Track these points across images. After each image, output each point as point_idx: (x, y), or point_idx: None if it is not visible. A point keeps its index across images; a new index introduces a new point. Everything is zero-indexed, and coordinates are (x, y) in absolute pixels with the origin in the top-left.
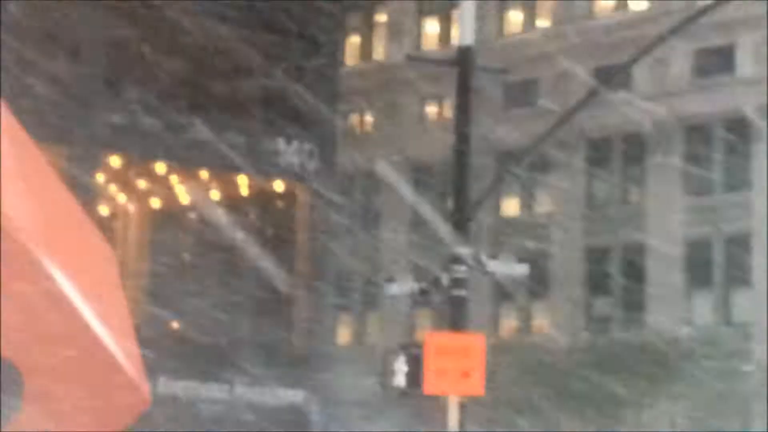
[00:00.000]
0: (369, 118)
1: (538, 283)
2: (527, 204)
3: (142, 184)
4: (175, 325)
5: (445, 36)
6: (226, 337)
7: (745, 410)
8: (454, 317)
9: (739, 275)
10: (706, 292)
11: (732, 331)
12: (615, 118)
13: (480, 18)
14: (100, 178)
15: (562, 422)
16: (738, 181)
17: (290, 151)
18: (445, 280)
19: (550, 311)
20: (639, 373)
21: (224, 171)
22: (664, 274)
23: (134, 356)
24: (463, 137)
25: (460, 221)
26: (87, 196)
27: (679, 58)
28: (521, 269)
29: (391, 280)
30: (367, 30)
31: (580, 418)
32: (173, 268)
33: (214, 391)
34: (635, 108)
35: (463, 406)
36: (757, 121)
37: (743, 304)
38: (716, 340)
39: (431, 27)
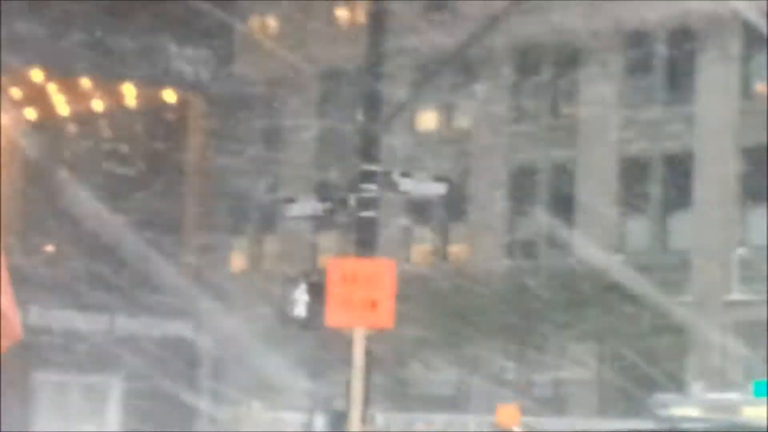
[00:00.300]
0: (272, 22)
1: (456, 205)
2: (446, 118)
3: (15, 93)
4: (49, 248)
5: None
6: (107, 262)
7: (680, 346)
8: (362, 241)
9: (678, 197)
10: (642, 216)
11: (669, 258)
12: (545, 24)
13: None
14: None
15: (480, 358)
16: (681, 94)
17: (183, 58)
18: (352, 200)
19: (469, 236)
20: (565, 305)
21: (108, 79)
22: (596, 195)
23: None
24: (376, 43)
25: (371, 135)
26: None
27: None
28: (438, 189)
29: (292, 199)
30: None
31: (500, 353)
32: (49, 186)
33: (92, 322)
34: (568, 13)
35: (369, 340)
36: (704, 29)
37: (682, 229)
38: (651, 268)
39: None
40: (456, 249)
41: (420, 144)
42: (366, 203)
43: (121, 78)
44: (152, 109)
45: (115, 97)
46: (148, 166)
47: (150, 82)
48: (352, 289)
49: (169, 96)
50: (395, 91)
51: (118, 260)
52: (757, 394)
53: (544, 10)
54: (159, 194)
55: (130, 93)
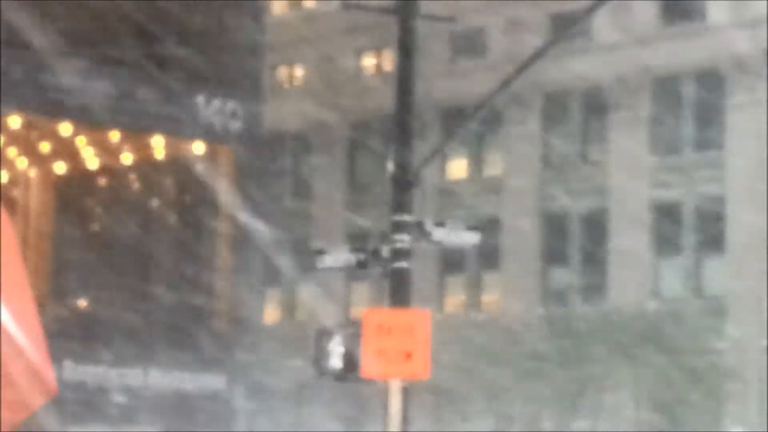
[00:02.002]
0: (299, 72)
1: (489, 254)
2: (476, 166)
3: (44, 147)
4: (82, 303)
5: None
6: (140, 316)
7: (717, 391)
8: (396, 292)
9: (711, 242)
10: (675, 262)
11: (703, 304)
12: (574, 70)
13: None
14: None
15: (516, 407)
16: (710, 138)
17: (211, 110)
18: (385, 250)
19: (502, 284)
20: (601, 352)
21: (137, 132)
22: (629, 241)
23: (38, 340)
24: (404, 92)
25: (402, 185)
26: None
27: (645, 3)
28: (470, 238)
29: (324, 251)
30: None
31: (536, 402)
32: (80, 240)
33: (125, 376)
34: (596, 59)
35: (406, 391)
36: (732, 73)
37: (716, 274)
38: (686, 314)
39: None
40: (489, 298)
41: (451, 193)
42: (399, 253)
43: (150, 131)
44: (181, 161)
45: (144, 150)
46: (179, 218)
47: (179, 135)
48: (387, 340)
49: (198, 148)
50: (426, 139)
51: (151, 314)
52: None
53: (572, 55)
54: (190, 246)
55: (158, 145)
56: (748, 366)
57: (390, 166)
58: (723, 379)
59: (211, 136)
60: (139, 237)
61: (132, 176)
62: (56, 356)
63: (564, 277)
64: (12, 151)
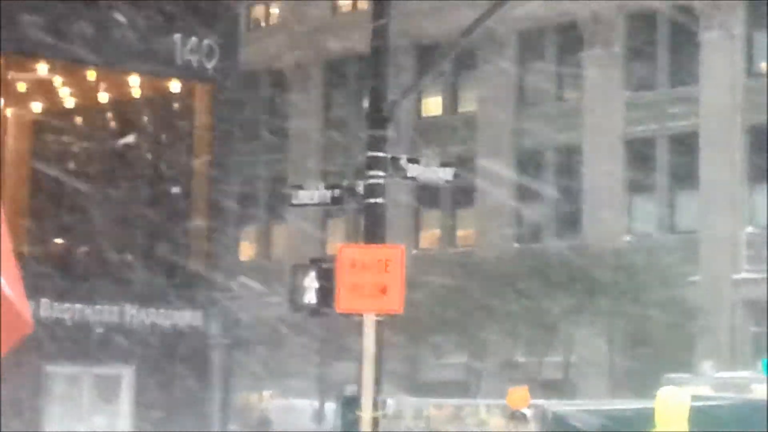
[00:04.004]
0: (275, 11)
1: (464, 190)
2: (451, 103)
3: (21, 86)
4: (59, 242)
5: None
6: (117, 254)
7: (689, 325)
8: (370, 227)
9: (684, 178)
10: (649, 197)
11: (676, 239)
12: (548, 6)
13: None
14: None
15: (489, 341)
16: (684, 74)
17: (188, 48)
18: (359, 187)
19: (477, 220)
20: (574, 287)
21: (114, 71)
22: (603, 177)
23: (14, 278)
24: (380, 30)
25: (377, 122)
26: None
27: None
28: (445, 174)
29: (299, 187)
30: None
31: (509, 336)
32: (56, 179)
33: (102, 313)
34: None
35: (380, 325)
36: (705, 9)
37: (689, 209)
38: (659, 249)
39: None
40: (464, 234)
41: (426, 129)
42: (374, 190)
43: (127, 69)
44: (158, 99)
45: (121, 89)
46: (156, 155)
47: (156, 73)
48: (361, 275)
49: (175, 86)
50: (401, 77)
51: (128, 251)
52: (766, 371)
53: None
54: (167, 184)
55: (135, 84)
56: (719, 300)
57: (365, 103)
58: (694, 313)
59: (187, 74)
60: (115, 176)
61: (108, 115)
62: (33, 295)
63: (538, 212)
64: None
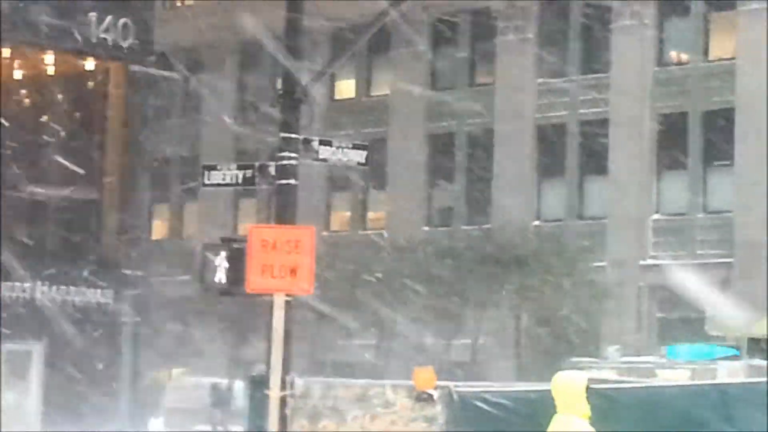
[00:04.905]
0: None
1: (376, 172)
2: (365, 86)
3: None
4: None
5: None
6: (28, 231)
7: (595, 308)
8: (281, 208)
9: (593, 164)
10: (558, 183)
11: (585, 224)
12: None
13: None
14: None
15: (398, 323)
16: (596, 62)
17: (103, 26)
18: (272, 168)
19: (388, 203)
20: (483, 270)
21: (29, 48)
22: (513, 162)
23: None
24: (294, 11)
25: (291, 103)
26: None
27: None
28: (357, 156)
29: (211, 167)
30: None
31: (419, 318)
32: None
33: (14, 290)
34: None
35: (289, 306)
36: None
37: (598, 195)
38: (567, 234)
39: None
40: (375, 216)
41: (339, 111)
42: (286, 171)
43: (42, 46)
44: (73, 78)
45: (36, 66)
46: (70, 134)
47: (71, 50)
48: (272, 256)
49: (89, 64)
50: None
51: (38, 228)
52: (671, 357)
53: None
54: (79, 163)
55: (50, 61)
56: (626, 285)
57: (279, 84)
58: (601, 298)
59: (102, 51)
60: (29, 153)
61: (23, 92)
62: None
63: (449, 196)
64: None
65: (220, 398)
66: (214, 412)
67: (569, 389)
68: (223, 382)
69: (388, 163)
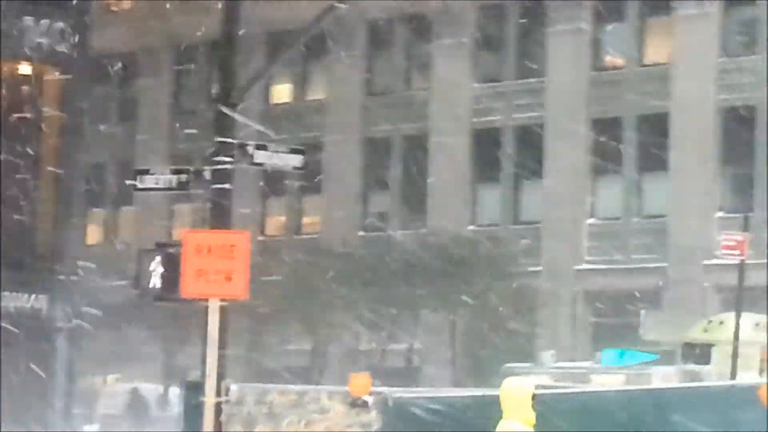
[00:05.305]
0: None
1: (311, 177)
2: (301, 90)
3: None
4: None
5: None
6: None
7: (531, 312)
8: (216, 213)
9: (529, 169)
10: (494, 188)
11: (520, 229)
12: None
13: None
14: None
15: (333, 328)
16: (532, 66)
17: (39, 31)
18: (207, 172)
19: (324, 207)
20: (417, 275)
21: None
22: (449, 167)
23: None
24: (229, 16)
25: (226, 107)
26: None
27: None
28: (293, 160)
29: (145, 171)
30: None
31: (353, 324)
32: None
33: None
34: None
35: (224, 311)
36: (554, 2)
37: (534, 200)
38: (503, 239)
39: None
40: (310, 221)
41: (275, 115)
42: (221, 175)
43: None
44: (8, 81)
45: None
46: (4, 138)
47: (7, 55)
48: (207, 261)
49: (25, 69)
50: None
51: None
52: (605, 362)
53: None
54: (14, 168)
55: None
56: (560, 290)
57: (214, 89)
58: (536, 303)
59: (38, 56)
60: None
61: None
62: None
63: (384, 201)
64: None
65: (139, 404)
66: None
67: (515, 395)
68: (143, 387)
69: (324, 168)
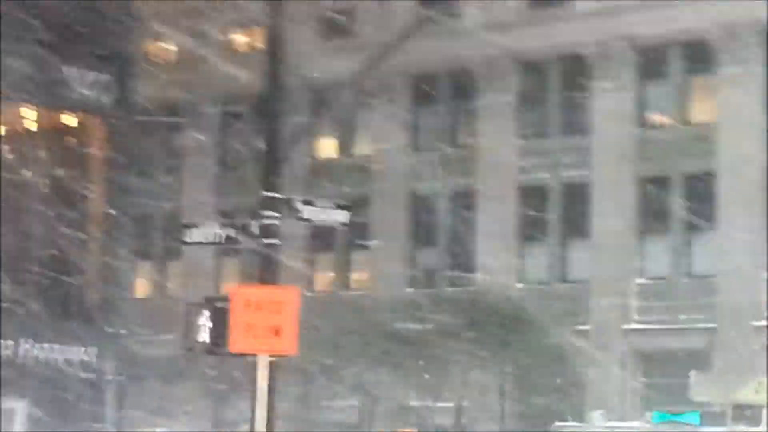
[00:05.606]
0: (172, 47)
1: (358, 233)
2: (346, 145)
3: None
4: None
5: None
6: (12, 289)
7: (581, 372)
8: (264, 268)
9: (576, 227)
10: (541, 245)
11: (568, 287)
12: (442, 52)
13: None
14: None
15: (383, 386)
16: (576, 123)
17: (85, 82)
18: (254, 227)
19: (371, 263)
20: (467, 333)
21: (10, 103)
22: (496, 224)
23: None
24: (275, 70)
25: (273, 162)
26: None
27: None
28: (339, 216)
29: (193, 225)
30: None
31: (402, 381)
32: None
33: None
34: (464, 42)
35: (273, 367)
36: (598, 59)
37: (581, 258)
38: (551, 297)
39: None
40: (358, 277)
41: (321, 171)
42: (268, 230)
43: (24, 101)
44: (54, 133)
45: (18, 121)
46: (51, 189)
47: (51, 106)
48: (255, 316)
49: (70, 120)
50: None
51: (23, 286)
52: (656, 421)
53: (440, 36)
54: (62, 219)
55: (32, 116)
56: (609, 350)
57: (260, 144)
58: (585, 362)
59: (84, 108)
60: (11, 209)
61: (5, 147)
62: None
63: (432, 258)
64: None
65: None
66: None
67: None
68: None
69: (371, 224)
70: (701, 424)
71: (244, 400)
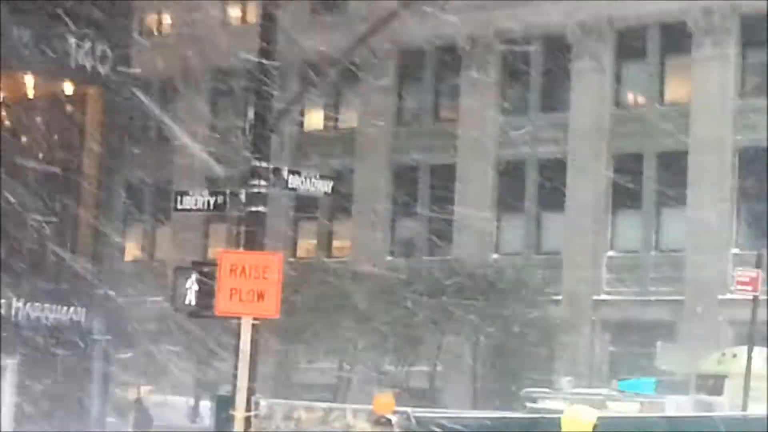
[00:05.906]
0: (167, 20)
1: (341, 202)
2: (332, 117)
3: None
4: None
5: None
6: (5, 251)
7: (551, 337)
8: (251, 234)
9: (552, 201)
10: (517, 218)
11: (542, 259)
12: (428, 30)
13: None
14: None
15: (359, 348)
16: (555, 101)
17: (82, 53)
18: (242, 195)
19: (353, 232)
20: (442, 300)
21: (8, 71)
22: (475, 196)
23: None
24: (266, 43)
25: (261, 133)
26: None
27: None
28: (324, 186)
29: (183, 192)
30: None
31: (380, 345)
32: None
33: None
34: (450, 19)
35: (256, 328)
36: (579, 39)
37: (555, 231)
38: (525, 267)
39: None
40: (339, 244)
41: (307, 142)
42: (255, 198)
43: (22, 70)
44: (51, 100)
45: (16, 89)
46: (48, 156)
47: (50, 75)
48: (240, 280)
49: (68, 88)
50: (285, 90)
51: (14, 247)
52: (621, 389)
53: (427, 15)
54: (56, 183)
55: (30, 84)
56: (580, 318)
57: (250, 114)
58: (556, 330)
59: (81, 77)
60: (6, 175)
61: (2, 114)
62: None
63: (411, 228)
64: None
65: (143, 416)
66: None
67: (575, 425)
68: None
69: (354, 193)
70: (656, 392)
71: (227, 361)
